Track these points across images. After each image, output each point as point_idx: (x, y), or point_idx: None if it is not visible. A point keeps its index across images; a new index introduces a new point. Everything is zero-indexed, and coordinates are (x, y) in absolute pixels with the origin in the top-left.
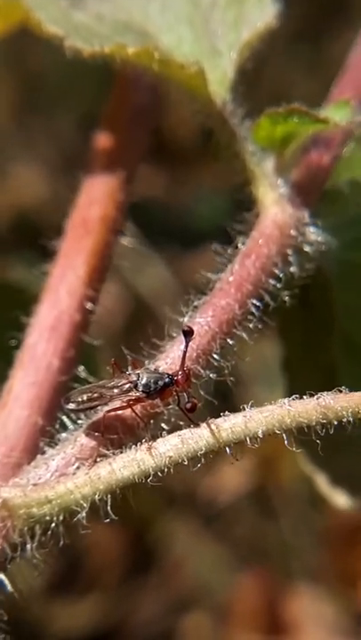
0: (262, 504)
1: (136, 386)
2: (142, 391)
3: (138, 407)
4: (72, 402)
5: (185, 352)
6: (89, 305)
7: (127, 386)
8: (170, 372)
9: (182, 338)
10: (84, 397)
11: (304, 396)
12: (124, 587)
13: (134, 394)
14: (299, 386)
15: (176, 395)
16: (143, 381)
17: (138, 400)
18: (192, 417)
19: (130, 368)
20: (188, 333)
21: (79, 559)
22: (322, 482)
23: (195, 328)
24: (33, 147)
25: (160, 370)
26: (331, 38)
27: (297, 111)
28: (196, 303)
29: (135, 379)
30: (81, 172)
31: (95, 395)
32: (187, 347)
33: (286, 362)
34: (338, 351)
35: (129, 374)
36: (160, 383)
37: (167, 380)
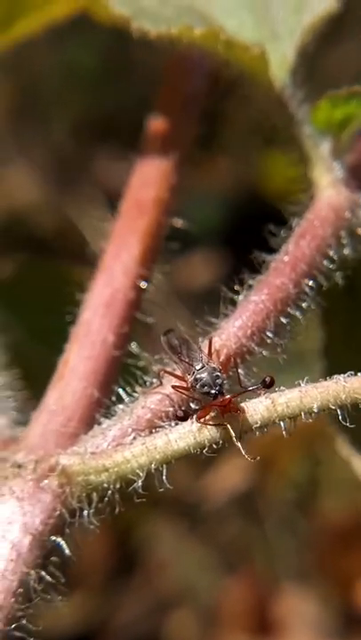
0: (247, 507)
1: (192, 374)
2: (191, 383)
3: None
4: (170, 338)
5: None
6: (142, 283)
7: (184, 368)
8: (222, 391)
9: (239, 316)
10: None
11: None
12: (109, 587)
13: (185, 380)
14: (338, 371)
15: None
16: (198, 376)
17: (182, 387)
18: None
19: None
20: (269, 385)
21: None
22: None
23: (251, 307)
24: (27, 151)
25: (219, 385)
26: None
27: (358, 93)
28: (250, 282)
29: (196, 369)
30: (135, 155)
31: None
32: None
33: (327, 347)
34: None
35: (198, 362)
36: (206, 390)
37: (214, 392)
